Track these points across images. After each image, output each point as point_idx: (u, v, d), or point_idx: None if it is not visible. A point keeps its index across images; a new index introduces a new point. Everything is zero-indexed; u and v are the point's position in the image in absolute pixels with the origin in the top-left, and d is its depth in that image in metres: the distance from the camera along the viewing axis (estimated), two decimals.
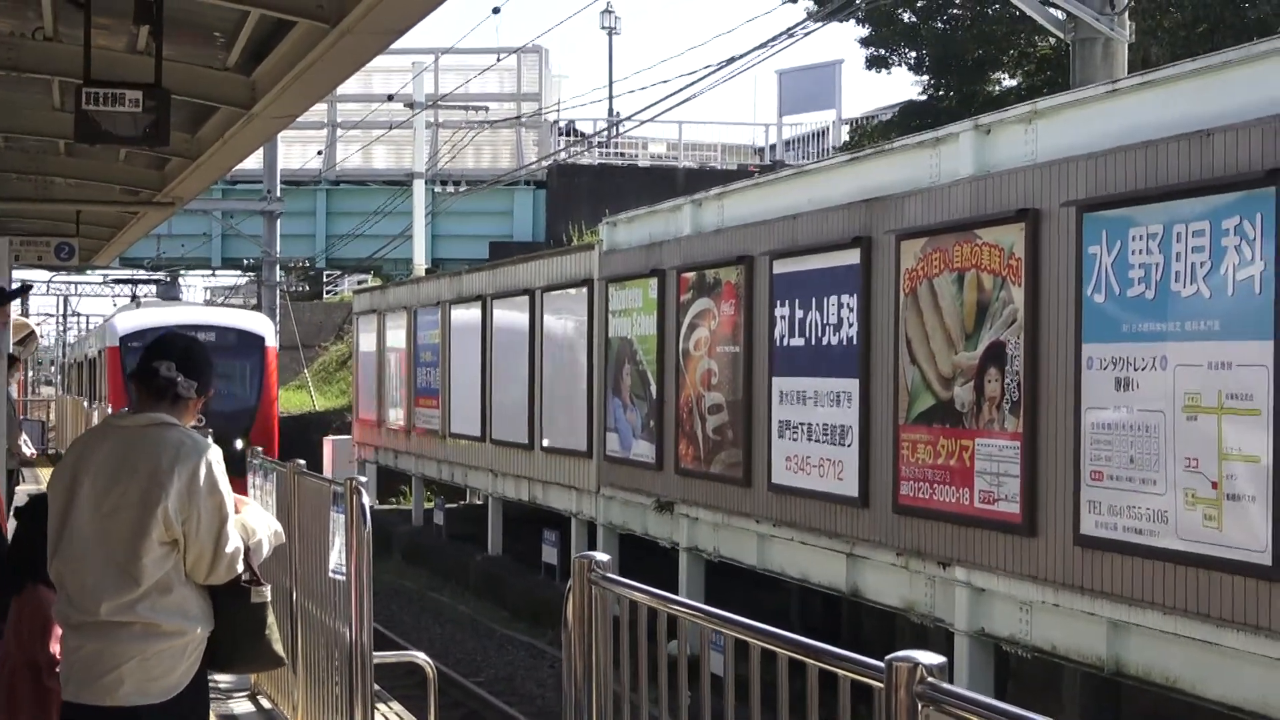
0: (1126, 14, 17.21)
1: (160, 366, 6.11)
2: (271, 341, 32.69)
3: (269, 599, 6.18)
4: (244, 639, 6.16)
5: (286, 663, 8.30)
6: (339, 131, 48.10)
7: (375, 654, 8.62)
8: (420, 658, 9.94)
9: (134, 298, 42.33)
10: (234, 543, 5.96)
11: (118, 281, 55.00)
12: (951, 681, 3.38)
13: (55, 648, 6.46)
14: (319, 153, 47.85)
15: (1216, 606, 9.71)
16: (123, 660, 5.90)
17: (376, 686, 8.80)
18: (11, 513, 7.07)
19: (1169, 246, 10.10)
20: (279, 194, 38.06)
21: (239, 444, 23.75)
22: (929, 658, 3.40)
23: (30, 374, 60.55)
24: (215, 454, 6.06)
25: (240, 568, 6.02)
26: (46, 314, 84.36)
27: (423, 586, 26.05)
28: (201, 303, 54.44)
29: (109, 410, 28.10)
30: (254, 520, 6.24)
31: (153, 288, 41.33)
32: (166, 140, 9.75)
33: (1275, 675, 9.40)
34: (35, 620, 6.52)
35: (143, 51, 9.73)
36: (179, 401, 6.11)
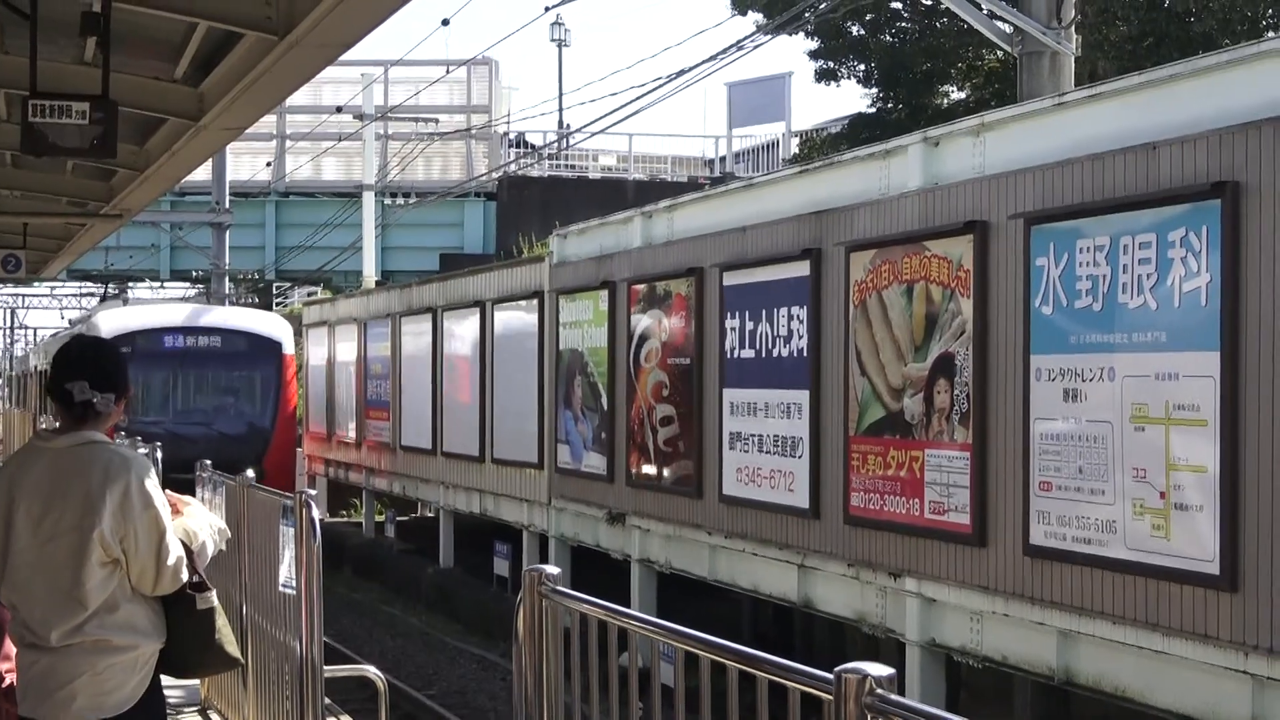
0: (1073, 28, 17.29)
1: (74, 389, 6.01)
2: (289, 348, 28.26)
3: (215, 604, 6.16)
4: (195, 645, 6.15)
5: (243, 663, 8.28)
6: (288, 143, 47.90)
7: (326, 668, 8.58)
8: (371, 671, 9.90)
9: (105, 297, 39.75)
10: (175, 552, 5.95)
11: (67, 294, 54.69)
12: (902, 693, 3.39)
13: (2, 667, 6.42)
14: (268, 164, 47.66)
15: (1165, 616, 9.75)
16: (75, 676, 5.89)
17: (328, 700, 8.78)
18: None
19: (1116, 258, 10.15)
20: (228, 206, 37.87)
21: (250, 474, 21.52)
22: (878, 669, 3.40)
23: None
24: (144, 466, 6.03)
25: (185, 575, 6.00)
26: None
27: (374, 600, 26.02)
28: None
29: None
30: (195, 522, 6.22)
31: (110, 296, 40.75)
32: (114, 152, 9.72)
33: (1223, 684, 9.44)
34: None
35: (90, 63, 9.71)
36: (100, 416, 6.07)
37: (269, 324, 28.63)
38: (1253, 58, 9.65)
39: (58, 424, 6.19)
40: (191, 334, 26.86)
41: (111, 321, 27.21)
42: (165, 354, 26.68)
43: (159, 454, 12.02)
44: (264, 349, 27.39)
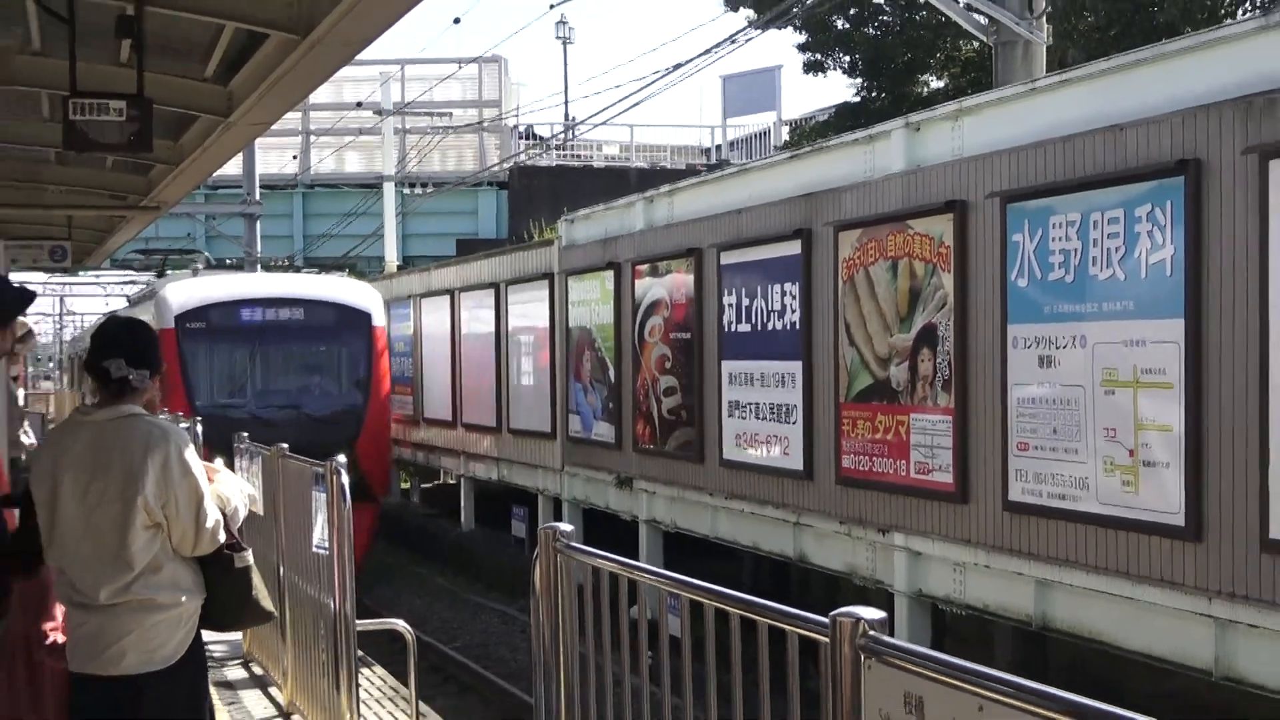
0: (1044, 18, 17.26)
1: (110, 368, 6.01)
2: (380, 319, 23.22)
3: (251, 563, 6.18)
4: (234, 601, 6.16)
5: (277, 616, 8.29)
6: (313, 138, 47.90)
7: (358, 622, 8.62)
8: (400, 625, 9.92)
9: (163, 271, 33.84)
10: (213, 516, 5.96)
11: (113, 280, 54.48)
12: (892, 636, 3.39)
13: (46, 625, 6.43)
14: (294, 158, 47.70)
15: (1134, 565, 9.78)
16: (124, 634, 5.90)
17: (360, 652, 8.80)
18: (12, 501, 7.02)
19: (1086, 233, 10.15)
20: (258, 197, 37.78)
21: (342, 459, 19.37)
22: (870, 613, 3.41)
23: (29, 369, 60.04)
24: (182, 437, 6.03)
25: (222, 537, 6.02)
26: (44, 314, 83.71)
27: (402, 561, 26.00)
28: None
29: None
30: (227, 489, 6.23)
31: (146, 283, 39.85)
32: (150, 147, 9.71)
33: (1188, 627, 9.47)
34: (34, 598, 6.49)
35: (125, 64, 9.68)
36: (136, 392, 6.06)
37: (357, 293, 23.71)
38: (1212, 43, 9.65)
39: (96, 399, 6.19)
40: (272, 306, 22.43)
41: (180, 295, 22.41)
42: (243, 329, 22.23)
43: (199, 428, 11.99)
44: (353, 320, 22.64)
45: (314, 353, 23.06)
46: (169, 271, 32.94)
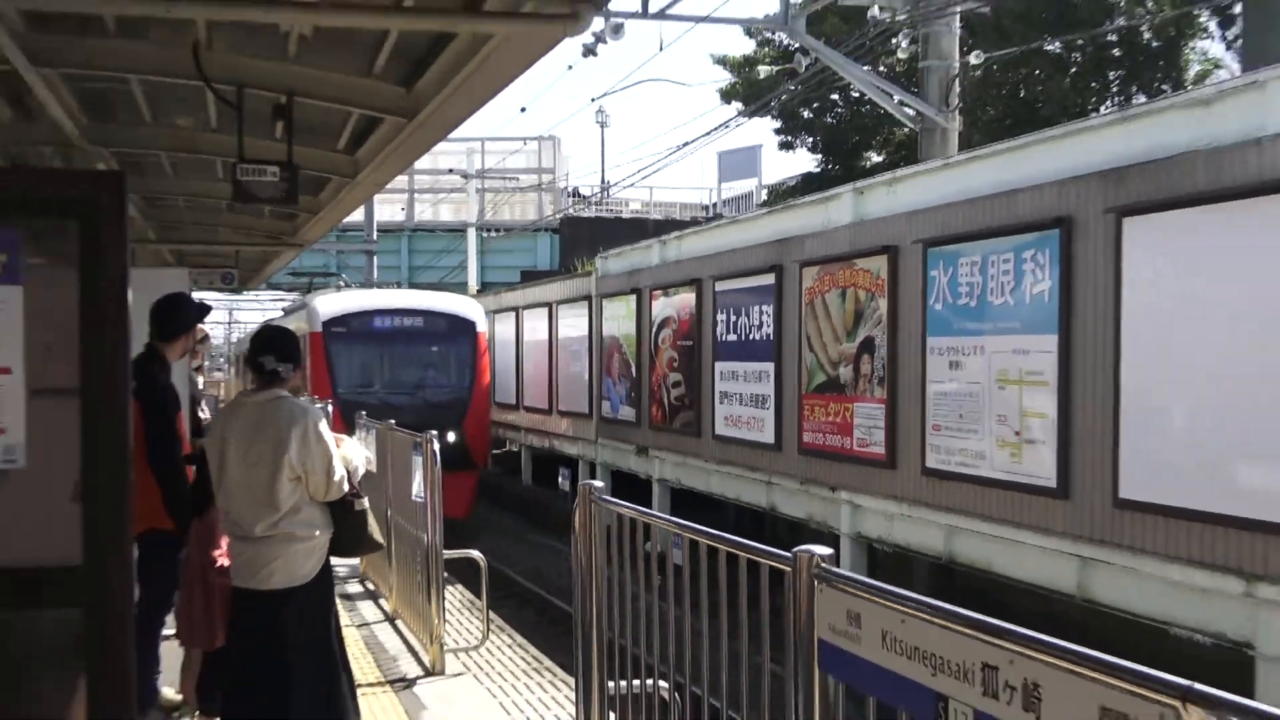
0: (956, 111, 17.25)
1: (265, 362, 6.10)
2: (482, 326, 22.64)
3: (366, 507, 6.20)
4: (353, 535, 6.18)
5: (384, 546, 8.29)
6: (416, 194, 48.01)
7: (445, 551, 8.65)
8: (475, 554, 9.96)
9: (309, 289, 33.60)
10: (339, 472, 5.99)
11: (269, 299, 54.51)
12: (838, 568, 3.39)
13: (214, 553, 6.47)
14: (402, 209, 47.74)
15: (1019, 516, 9.78)
16: (273, 559, 5.93)
17: (445, 574, 8.83)
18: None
19: (986, 270, 10.14)
20: (375, 237, 37.90)
21: (451, 436, 18.99)
22: (822, 550, 3.42)
23: (206, 363, 60.10)
24: (316, 414, 6.09)
25: (346, 488, 6.05)
26: (217, 322, 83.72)
27: (478, 510, 26.01)
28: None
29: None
30: (350, 453, 6.25)
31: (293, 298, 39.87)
32: (296, 201, 9.74)
33: (1059, 563, 9.47)
34: (205, 534, 6.52)
35: (279, 139, 9.70)
36: (283, 380, 6.12)
37: (464, 306, 22.97)
38: (1080, 131, 9.66)
39: (254, 385, 6.22)
40: (398, 315, 22.01)
41: (327, 305, 22.22)
42: (375, 333, 21.70)
43: (329, 408, 12.02)
44: (461, 328, 21.97)
45: (430, 352, 22.09)
46: (313, 289, 32.93)
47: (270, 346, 6.21)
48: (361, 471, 6.38)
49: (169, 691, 7.17)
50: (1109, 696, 2.32)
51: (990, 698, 2.65)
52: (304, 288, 34.81)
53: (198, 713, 6.73)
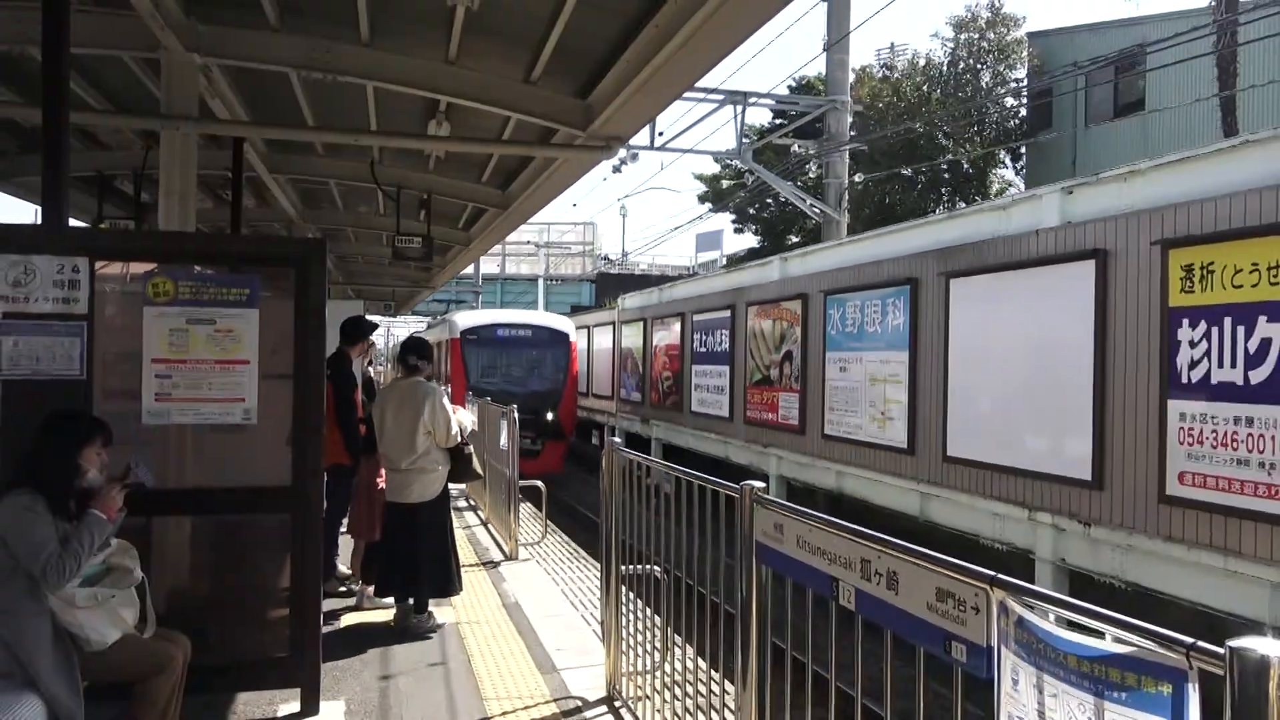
0: (845, 210, 17.18)
1: (410, 359, 6.11)
2: (574, 338, 20.50)
3: (471, 452, 6.17)
4: (463, 469, 6.17)
5: (483, 476, 8.24)
6: (507, 256, 47.99)
7: (520, 481, 8.62)
8: (538, 483, 9.92)
9: (440, 313, 31.65)
10: (455, 429, 5.98)
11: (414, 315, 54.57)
12: (768, 495, 3.35)
13: (376, 478, 6.45)
14: (497, 266, 47.73)
15: (882, 465, 9.71)
16: (412, 483, 5.92)
17: (519, 496, 8.80)
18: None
19: (864, 310, 10.09)
20: (480, 284, 37.83)
21: (549, 415, 18.50)
22: (758, 484, 3.37)
23: (373, 362, 59.96)
24: (440, 391, 6.08)
25: (459, 438, 6.02)
26: (380, 335, 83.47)
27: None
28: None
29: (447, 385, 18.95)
30: (462, 417, 6.24)
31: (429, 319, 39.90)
32: (431, 260, 9.74)
33: (906, 496, 9.38)
34: (371, 465, 6.50)
35: (421, 220, 9.71)
36: (419, 371, 6.10)
37: (561, 323, 20.86)
38: (922, 225, 9.59)
39: (401, 374, 6.20)
40: (513, 328, 20.07)
41: (464, 320, 20.31)
42: (497, 340, 19.83)
43: (446, 388, 11.95)
44: (558, 338, 20.08)
45: (536, 355, 20.31)
46: (448, 310, 32.30)
47: (412, 350, 6.22)
48: (469, 429, 6.37)
49: (344, 568, 7.15)
50: (943, 581, 2.29)
51: (866, 580, 2.62)
52: (436, 313, 34.59)
53: (360, 582, 6.72)
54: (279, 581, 4.39)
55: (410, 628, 5.95)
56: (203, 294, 4.20)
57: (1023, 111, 24.64)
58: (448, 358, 19.89)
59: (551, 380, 19.83)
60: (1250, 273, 5.75)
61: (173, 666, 3.63)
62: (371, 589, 6.40)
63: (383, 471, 6.31)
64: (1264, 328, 5.67)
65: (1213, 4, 16.39)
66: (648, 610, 4.58)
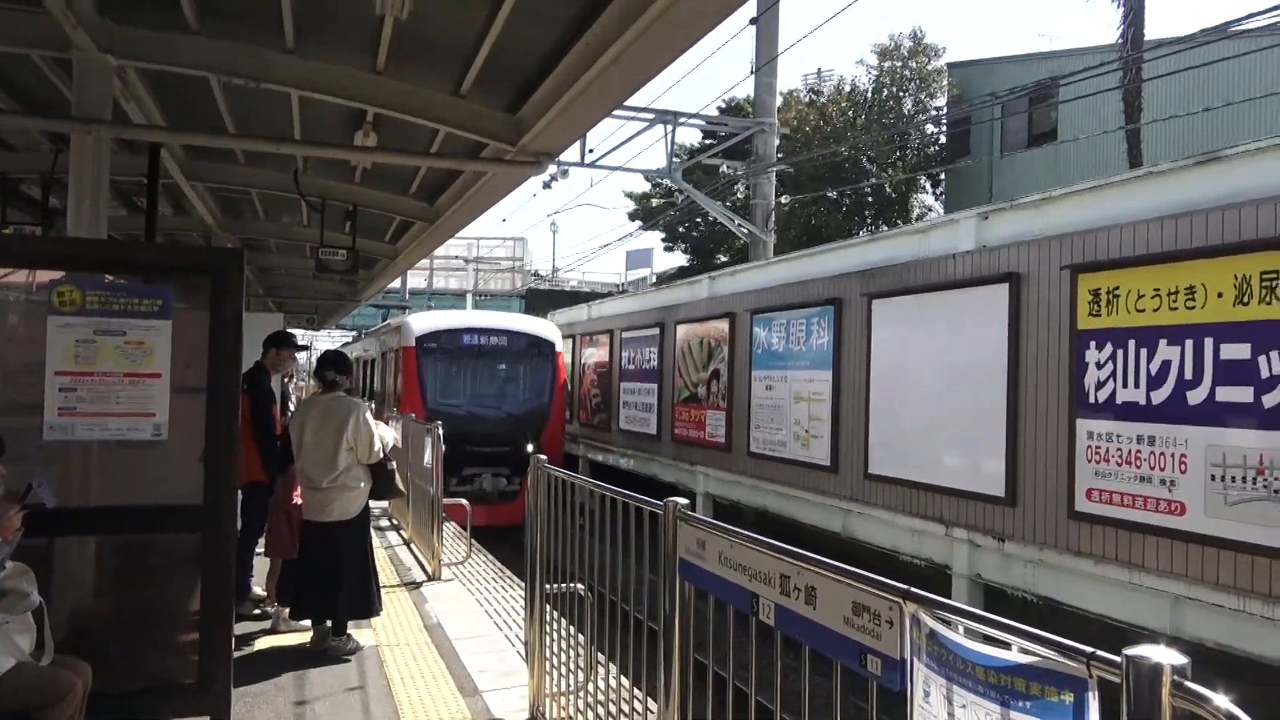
0: (773, 231, 17.47)
1: (328, 373, 6.00)
2: (559, 347, 15.68)
3: (394, 468, 6.07)
4: (385, 486, 6.06)
5: (405, 494, 8.10)
6: (435, 271, 47.44)
7: (444, 500, 8.49)
8: (463, 502, 9.79)
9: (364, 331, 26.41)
10: (377, 445, 5.88)
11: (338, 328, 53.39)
12: (693, 513, 3.37)
13: (294, 494, 6.29)
14: (424, 281, 47.11)
15: (807, 483, 9.85)
16: (333, 501, 5.79)
17: (443, 514, 8.66)
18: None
19: (789, 329, 10.25)
20: (407, 298, 37.29)
21: (530, 448, 13.31)
22: (683, 501, 3.40)
23: (294, 377, 58.37)
24: (363, 406, 5.97)
25: (381, 455, 5.92)
26: (301, 347, 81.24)
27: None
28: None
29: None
30: (385, 432, 6.14)
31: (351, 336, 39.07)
32: (356, 274, 9.56)
33: (830, 514, 9.52)
34: (288, 482, 6.34)
35: (347, 233, 9.53)
36: (338, 386, 6.00)
37: (544, 328, 15.98)
38: (845, 247, 9.80)
39: (320, 389, 6.08)
40: (484, 334, 15.33)
41: (421, 323, 15.42)
42: (463, 349, 15.11)
43: (394, 410, 11.65)
44: (541, 348, 15.40)
45: (513, 369, 15.46)
46: (369, 330, 28.74)
47: (330, 364, 6.10)
48: (390, 445, 6.27)
49: (259, 590, 6.94)
50: (859, 595, 2.34)
51: (785, 595, 2.65)
52: (361, 328, 33.56)
53: (275, 604, 6.53)
54: (188, 604, 4.23)
55: (328, 650, 5.80)
56: (112, 304, 4.06)
57: (942, 139, 25.49)
58: (397, 372, 15.17)
59: (533, 401, 15.10)
60: (1152, 298, 6.05)
61: (72, 694, 3.48)
62: (287, 611, 6.23)
63: (299, 488, 6.16)
64: (1164, 350, 5.97)
65: (1120, 42, 17.25)
66: (572, 629, 4.56)
